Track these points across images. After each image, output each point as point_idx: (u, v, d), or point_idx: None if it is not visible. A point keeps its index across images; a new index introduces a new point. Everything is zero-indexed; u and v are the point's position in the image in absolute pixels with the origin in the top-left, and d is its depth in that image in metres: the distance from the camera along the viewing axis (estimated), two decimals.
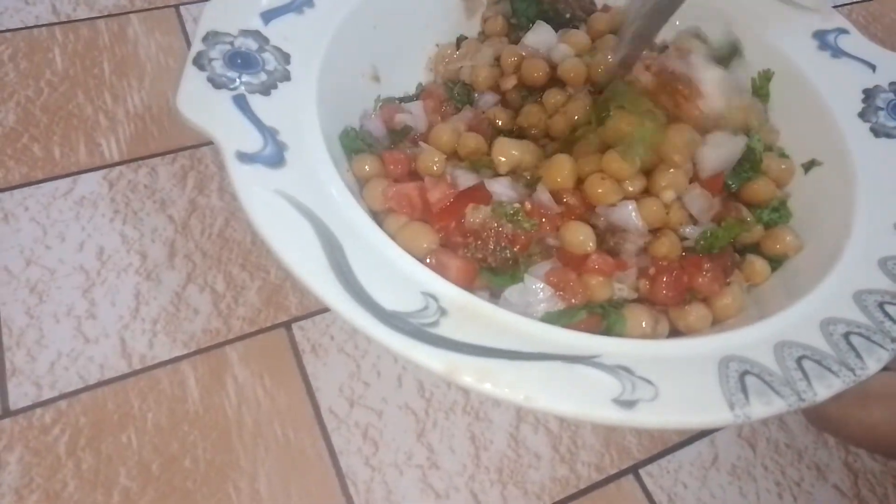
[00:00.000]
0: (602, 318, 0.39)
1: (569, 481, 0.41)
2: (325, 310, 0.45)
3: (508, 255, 0.39)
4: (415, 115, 0.47)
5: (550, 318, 0.37)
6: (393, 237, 0.36)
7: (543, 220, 0.40)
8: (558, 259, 0.40)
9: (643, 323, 0.38)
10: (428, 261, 0.38)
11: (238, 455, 0.40)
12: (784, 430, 0.44)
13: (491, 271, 0.39)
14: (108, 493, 0.38)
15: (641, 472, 0.42)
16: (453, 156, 0.45)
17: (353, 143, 0.44)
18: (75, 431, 0.39)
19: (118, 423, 0.40)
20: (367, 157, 0.43)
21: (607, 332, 0.38)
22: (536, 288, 0.38)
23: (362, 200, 0.40)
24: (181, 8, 0.61)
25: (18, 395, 0.40)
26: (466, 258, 0.39)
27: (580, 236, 0.40)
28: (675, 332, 0.40)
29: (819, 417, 0.34)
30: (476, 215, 0.40)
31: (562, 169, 0.42)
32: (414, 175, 0.43)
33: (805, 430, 0.44)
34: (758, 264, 0.42)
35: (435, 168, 0.42)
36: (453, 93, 0.50)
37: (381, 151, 0.44)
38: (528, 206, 0.40)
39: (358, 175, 0.43)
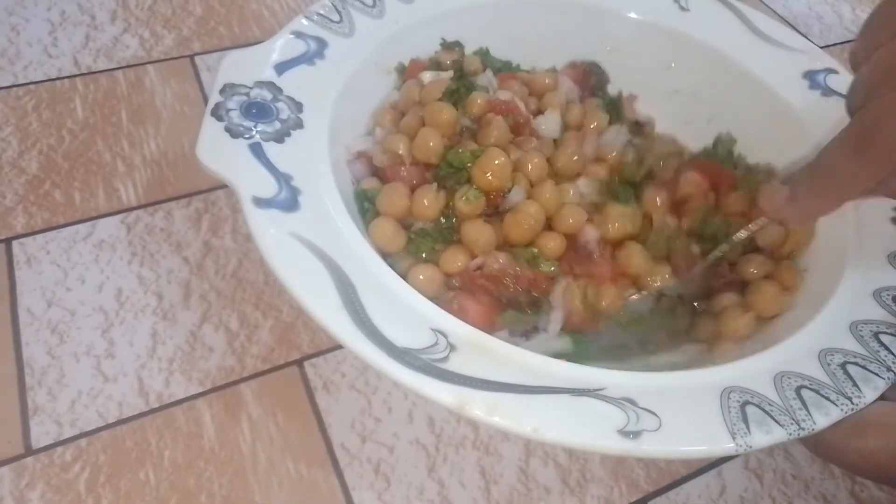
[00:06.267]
0: None
1: None
2: (337, 347, 0.47)
3: (532, 297, 0.40)
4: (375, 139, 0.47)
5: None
6: (404, 277, 0.38)
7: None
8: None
9: None
10: (453, 305, 0.39)
11: (253, 491, 0.41)
12: (790, 460, 0.45)
13: (519, 310, 0.40)
14: None
15: None
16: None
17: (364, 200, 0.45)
18: (95, 469, 0.40)
19: (136, 460, 0.41)
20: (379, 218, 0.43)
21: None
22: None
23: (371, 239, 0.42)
24: (196, 58, 0.64)
25: (40, 433, 0.41)
26: (485, 303, 0.40)
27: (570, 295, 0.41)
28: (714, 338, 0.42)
29: (819, 446, 0.35)
30: (495, 261, 0.41)
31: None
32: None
33: (811, 460, 0.45)
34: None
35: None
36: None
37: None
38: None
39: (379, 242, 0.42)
